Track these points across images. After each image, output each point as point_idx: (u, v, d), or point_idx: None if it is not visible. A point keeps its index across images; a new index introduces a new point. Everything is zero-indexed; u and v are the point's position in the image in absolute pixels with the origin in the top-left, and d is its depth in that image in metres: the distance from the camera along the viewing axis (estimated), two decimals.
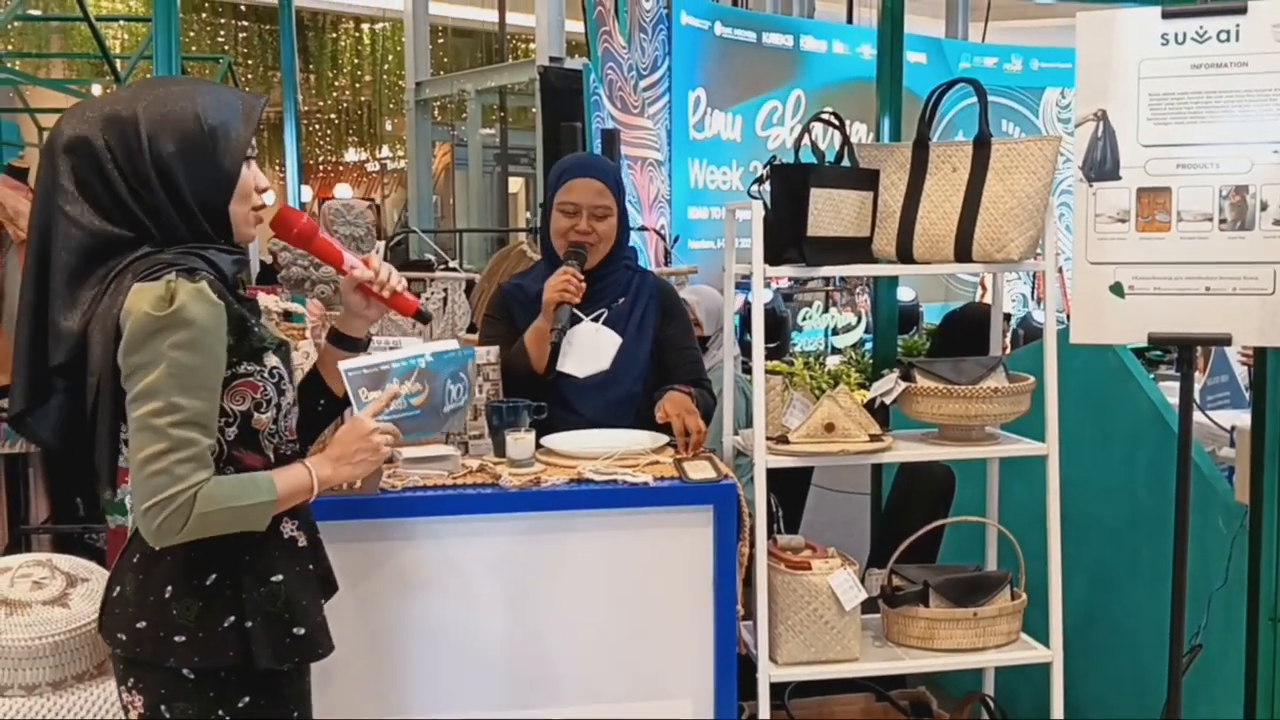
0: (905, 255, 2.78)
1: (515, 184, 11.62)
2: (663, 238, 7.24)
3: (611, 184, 2.91)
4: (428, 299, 5.21)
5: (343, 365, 1.93)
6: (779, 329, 7.22)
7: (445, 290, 5.13)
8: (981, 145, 2.73)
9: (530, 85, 8.38)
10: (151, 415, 1.64)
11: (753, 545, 2.57)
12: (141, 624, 1.77)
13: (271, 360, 1.82)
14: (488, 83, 9.32)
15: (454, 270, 5.43)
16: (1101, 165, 2.74)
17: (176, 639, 1.75)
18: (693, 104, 9.10)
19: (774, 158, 2.78)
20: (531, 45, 10.75)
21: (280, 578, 1.83)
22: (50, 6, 7.73)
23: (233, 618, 1.78)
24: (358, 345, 2.05)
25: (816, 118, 2.79)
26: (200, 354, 1.68)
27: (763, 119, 9.72)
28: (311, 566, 1.92)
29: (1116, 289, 2.73)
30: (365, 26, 11.51)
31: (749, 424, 2.85)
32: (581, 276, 2.78)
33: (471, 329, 4.78)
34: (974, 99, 2.78)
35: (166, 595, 1.76)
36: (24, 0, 6.92)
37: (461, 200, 10.60)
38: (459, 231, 9.43)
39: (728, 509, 2.45)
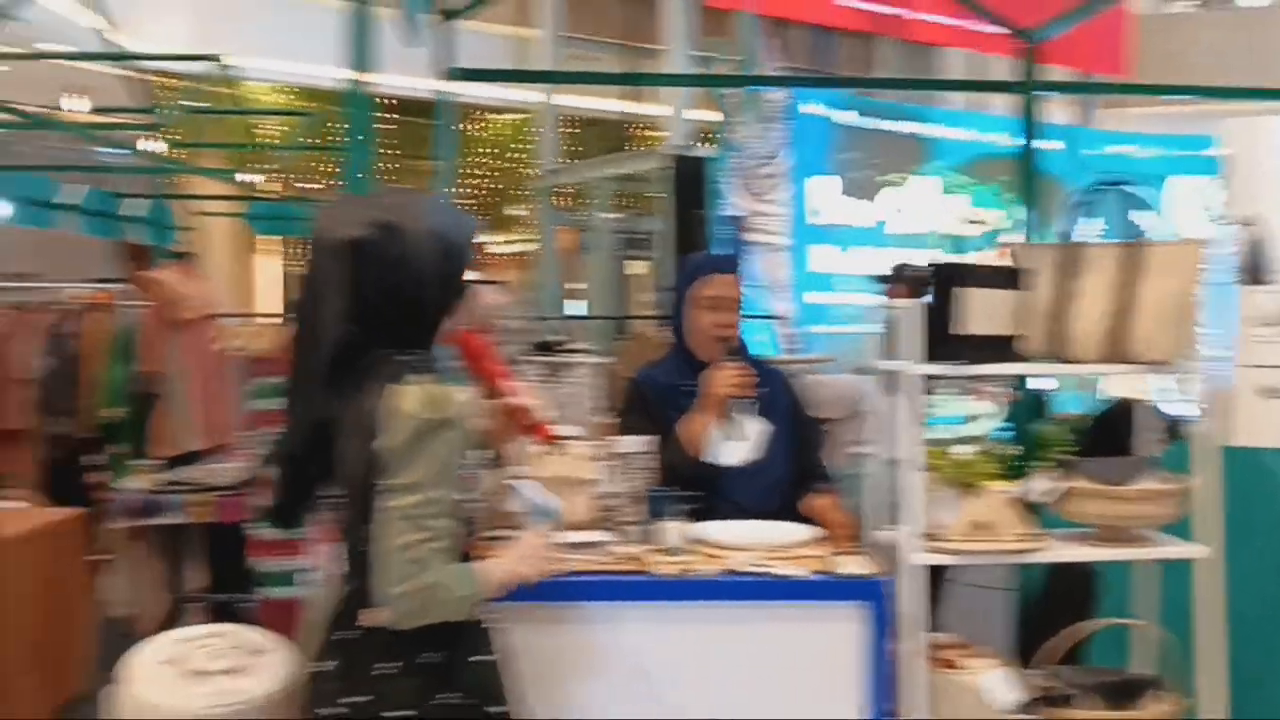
0: (1056, 355, 2.80)
1: (635, 267, 11.84)
2: (789, 324, 7.30)
3: (741, 279, 3.05)
4: (558, 384, 5.34)
5: (519, 484, 2.13)
6: None
7: (574, 375, 5.25)
8: (1131, 247, 2.75)
9: (655, 172, 8.57)
10: (413, 506, 1.79)
11: (901, 642, 2.58)
12: (351, 699, 1.88)
13: (475, 454, 1.96)
14: (614, 170, 9.57)
15: (581, 355, 5.56)
16: (1253, 270, 2.74)
17: (387, 715, 1.86)
18: (815, 190, 9.19)
19: (913, 260, 2.86)
20: (656, 133, 11.02)
21: (482, 658, 1.95)
22: (206, 96, 8.24)
23: (445, 695, 1.89)
24: None
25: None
26: (458, 452, 1.85)
27: (886, 204, 9.75)
28: (497, 650, 2.03)
29: (1269, 392, 2.71)
30: (498, 118, 11.97)
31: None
32: (751, 371, 2.89)
33: (602, 414, 4.88)
34: (1110, 186, 2.80)
35: (379, 673, 1.87)
36: (191, 93, 7.41)
37: (585, 284, 10.82)
38: (588, 318, 9.60)
39: (881, 605, 2.47)
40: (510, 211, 12.91)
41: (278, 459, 2.01)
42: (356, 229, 1.87)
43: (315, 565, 2.76)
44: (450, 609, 1.85)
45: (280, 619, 3.36)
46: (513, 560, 2.00)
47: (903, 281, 7.00)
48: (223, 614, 4.92)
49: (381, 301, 1.89)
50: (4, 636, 3.81)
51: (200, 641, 2.57)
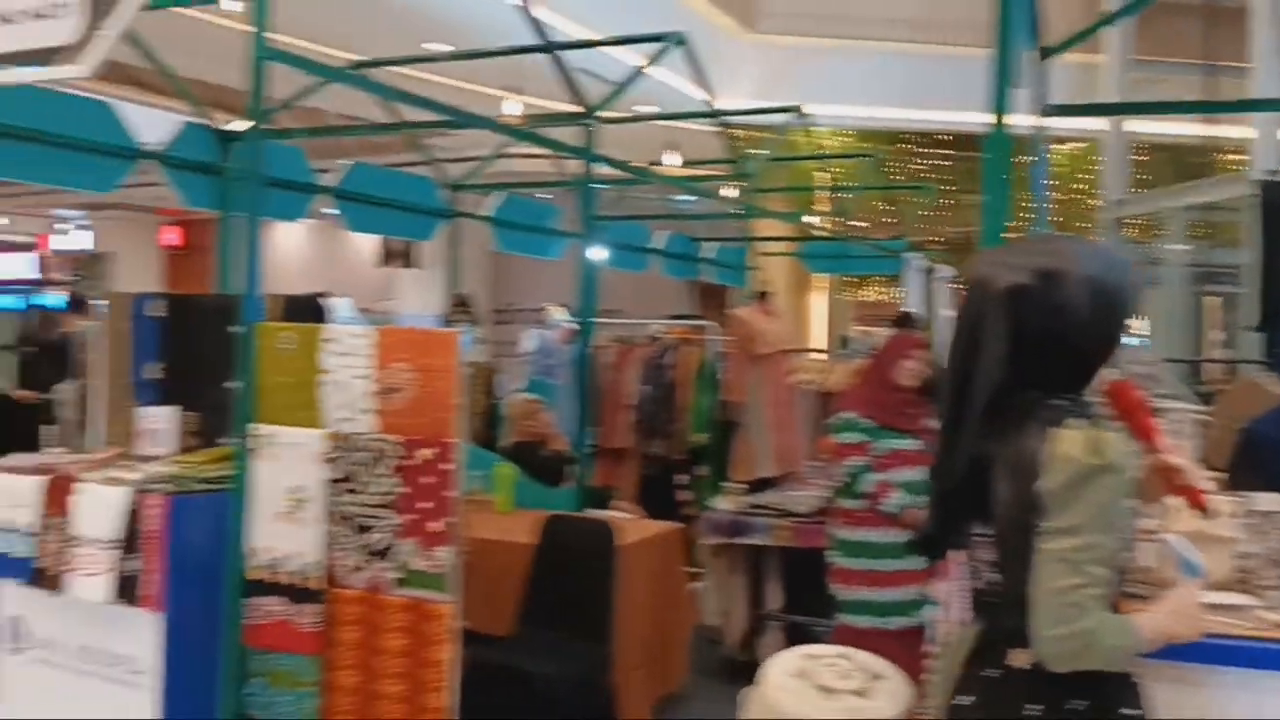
0: None
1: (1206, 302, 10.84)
2: None
3: None
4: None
5: (1170, 538, 2.06)
6: None
7: (1167, 422, 4.91)
8: None
9: (1241, 200, 7.82)
10: (1073, 550, 1.81)
11: None
12: None
13: (1131, 504, 1.92)
14: (1191, 198, 8.88)
15: (1171, 399, 5.18)
16: None
17: None
18: None
19: None
20: (1238, 157, 10.06)
21: (1131, 712, 1.91)
22: (776, 144, 8.79)
23: None
24: None
25: None
26: (1121, 497, 1.84)
27: None
28: (1145, 706, 1.97)
29: None
30: (1059, 148, 11.59)
31: None
32: None
33: (1202, 465, 4.51)
34: None
35: (1027, 715, 1.89)
36: (764, 141, 7.95)
37: (1155, 321, 10.10)
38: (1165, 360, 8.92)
39: None
40: None
41: (929, 492, 2.10)
42: (1017, 275, 1.91)
43: (937, 599, 2.83)
44: (1103, 658, 1.82)
45: (855, 646, 3.47)
46: (1166, 616, 1.92)
47: None
48: (798, 634, 5.19)
49: (1040, 347, 1.91)
50: (623, 632, 4.30)
51: (828, 660, 2.73)
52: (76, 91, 5.03)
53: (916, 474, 4.45)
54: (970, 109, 3.94)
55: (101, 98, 5.48)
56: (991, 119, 2.54)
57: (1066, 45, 4.02)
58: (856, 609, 4.45)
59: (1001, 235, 2.51)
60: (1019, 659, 1.91)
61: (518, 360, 8.24)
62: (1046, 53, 4.01)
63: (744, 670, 5.23)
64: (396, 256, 15.03)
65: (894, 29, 10.30)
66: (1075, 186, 11.60)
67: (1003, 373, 1.91)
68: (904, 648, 4.19)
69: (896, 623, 4.40)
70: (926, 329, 8.51)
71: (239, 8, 5.86)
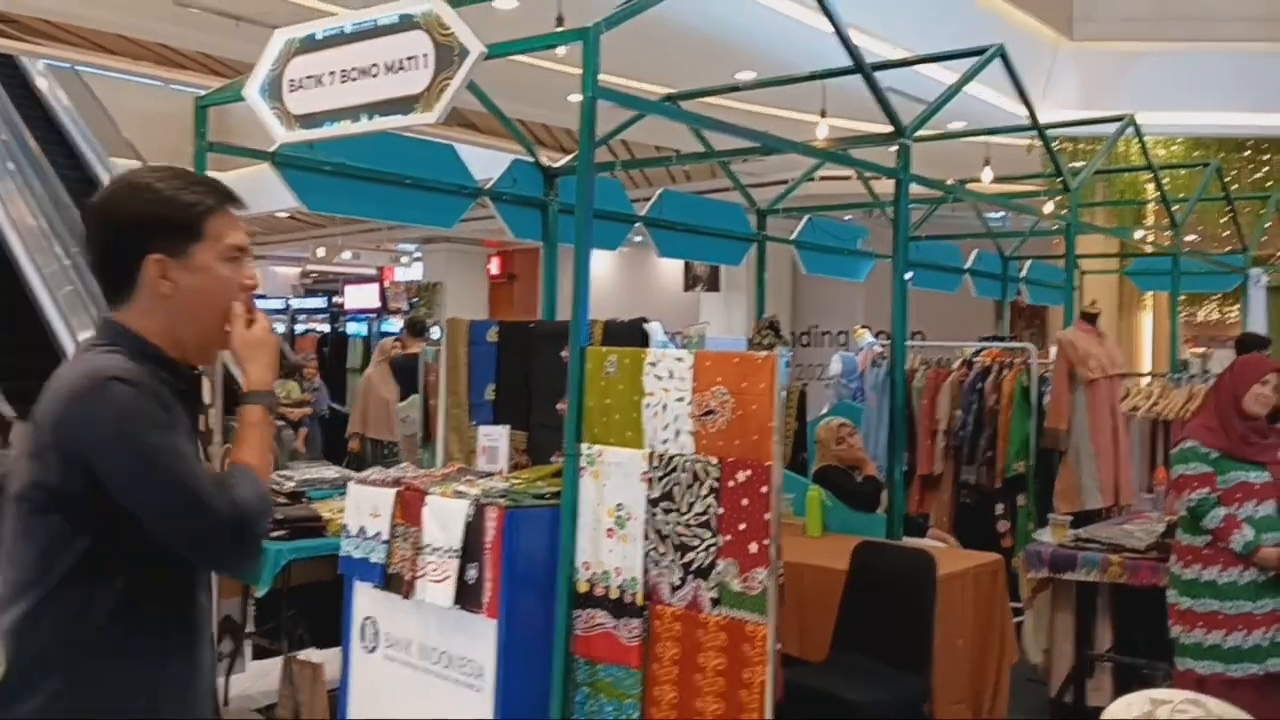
0: None
1: None
2: None
3: None
4: None
5: None
6: None
7: None
8: None
9: None
10: None
11: None
12: None
13: None
14: None
15: None
16: None
17: None
18: None
19: None
20: None
21: None
22: (1093, 155, 8.31)
23: None
24: None
25: None
26: None
27: None
28: None
29: None
30: None
31: None
32: None
33: None
34: None
35: None
36: (1085, 153, 7.53)
37: None
38: None
39: None
40: None
41: None
42: None
43: None
44: None
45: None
46: None
47: None
48: (1129, 678, 4.86)
49: None
50: (941, 664, 4.16)
51: (1177, 706, 2.54)
52: (417, 135, 5.48)
53: (1267, 509, 4.11)
54: None
55: (439, 140, 5.95)
56: None
57: None
58: (1199, 654, 4.16)
59: None
60: None
61: (824, 383, 8.19)
62: None
63: (1068, 713, 4.97)
64: (700, 280, 15.36)
65: (1235, 28, 9.49)
66: None
67: None
68: (1258, 698, 3.87)
69: (1245, 670, 4.08)
70: (1266, 348, 7.75)
71: (561, 50, 6.19)
